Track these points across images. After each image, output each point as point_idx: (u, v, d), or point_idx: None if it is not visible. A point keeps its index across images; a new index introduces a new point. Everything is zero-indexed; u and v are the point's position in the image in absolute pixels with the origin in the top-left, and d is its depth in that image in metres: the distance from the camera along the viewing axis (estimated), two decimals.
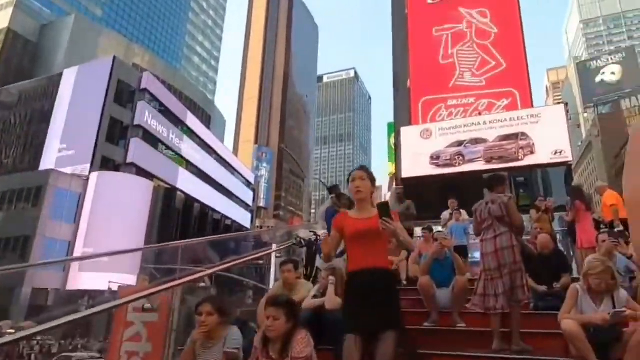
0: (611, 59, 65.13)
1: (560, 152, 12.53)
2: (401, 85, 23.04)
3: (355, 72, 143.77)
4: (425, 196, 12.60)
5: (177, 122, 32.92)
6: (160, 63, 50.40)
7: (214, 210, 34.07)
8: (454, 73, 17.52)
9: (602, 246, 4.03)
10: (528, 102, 16.63)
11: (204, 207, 32.51)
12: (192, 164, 33.22)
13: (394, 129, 23.74)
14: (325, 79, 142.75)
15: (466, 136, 13.70)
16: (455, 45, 17.70)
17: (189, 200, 30.47)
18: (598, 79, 63.49)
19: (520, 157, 12.92)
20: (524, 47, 17.36)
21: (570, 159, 12.66)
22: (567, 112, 13.36)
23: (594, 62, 67.56)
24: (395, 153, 15.17)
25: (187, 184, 31.08)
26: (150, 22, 61.35)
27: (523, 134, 13.11)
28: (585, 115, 63.09)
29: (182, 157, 32.13)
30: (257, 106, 75.66)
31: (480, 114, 15.80)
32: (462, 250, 6.43)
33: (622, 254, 3.77)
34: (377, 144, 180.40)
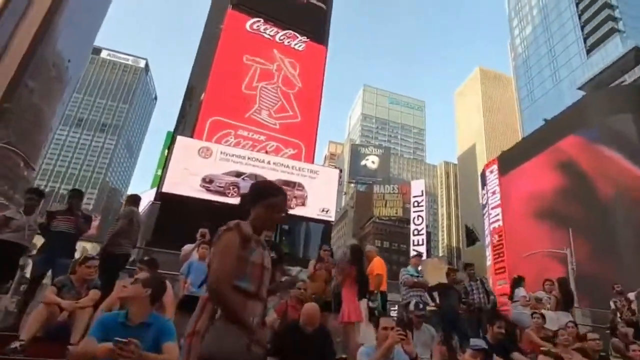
0: (374, 150, 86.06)
1: (327, 211, 14.46)
2: (195, 96, 22.38)
3: (147, 64, 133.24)
4: (185, 220, 11.64)
5: None
6: None
7: None
8: (252, 106, 18.40)
9: (382, 336, 3.29)
10: (310, 159, 19.05)
11: None
12: None
13: (172, 140, 22.40)
14: (104, 54, 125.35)
15: (247, 169, 14.00)
16: (261, 81, 18.81)
17: None
18: (363, 162, 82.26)
19: (292, 206, 14.07)
20: (319, 112, 20.27)
21: (332, 219, 14.77)
22: (340, 177, 15.81)
23: (363, 148, 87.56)
24: (165, 161, 13.88)
25: None
26: None
27: (300, 184, 14.51)
28: (352, 186, 79.45)
29: None
30: None
31: (267, 153, 16.78)
32: (196, 303, 5.05)
33: (405, 351, 3.22)
34: (149, 149, 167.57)
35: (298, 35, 19.87)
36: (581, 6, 57.27)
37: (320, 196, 14.69)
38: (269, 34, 19.32)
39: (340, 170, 17.11)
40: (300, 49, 19.85)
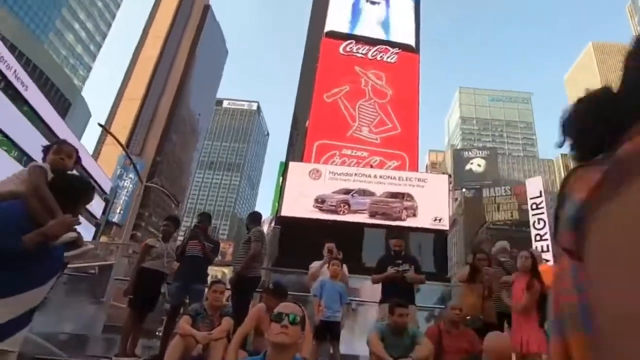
0: (479, 153, 79.32)
1: (440, 220, 13.17)
2: (300, 124, 23.13)
3: (258, 106, 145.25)
4: (302, 241, 11.65)
5: (17, 98, 26.72)
6: (15, 24, 42.03)
7: None
8: (353, 124, 18.16)
9: None
10: (414, 169, 17.95)
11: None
12: (24, 152, 26.83)
13: (285, 168, 23.46)
14: (225, 104, 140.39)
15: (355, 185, 13.58)
16: (358, 99, 18.55)
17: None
18: (467, 167, 76.21)
19: (403, 217, 13.17)
20: (418, 120, 19.14)
21: (447, 227, 13.36)
22: (450, 183, 14.40)
23: (466, 152, 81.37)
24: (281, 187, 14.37)
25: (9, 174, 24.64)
26: None
27: (409, 195, 13.53)
28: (458, 192, 74.22)
29: (10, 140, 25.73)
30: (138, 109, 68.66)
31: (372, 168, 16.23)
32: (332, 329, 4.24)
33: None
34: (267, 181, 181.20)
35: (390, 47, 19.30)
36: None
37: (431, 205, 13.49)
38: (361, 53, 19.13)
39: (450, 176, 15.65)
40: (392, 61, 19.19)
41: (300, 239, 11.30)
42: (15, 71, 26.41)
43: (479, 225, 63.78)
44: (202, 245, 4.94)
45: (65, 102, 40.90)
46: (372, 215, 13.20)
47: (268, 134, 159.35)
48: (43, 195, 1.93)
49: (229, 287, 4.92)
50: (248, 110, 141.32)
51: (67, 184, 2.11)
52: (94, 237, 37.81)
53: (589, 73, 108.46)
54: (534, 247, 37.35)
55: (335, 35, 19.64)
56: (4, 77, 25.60)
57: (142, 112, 69.13)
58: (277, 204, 19.54)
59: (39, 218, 1.82)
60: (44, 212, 1.85)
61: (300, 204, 12.69)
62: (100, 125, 21.40)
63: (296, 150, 22.42)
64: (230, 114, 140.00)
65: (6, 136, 25.50)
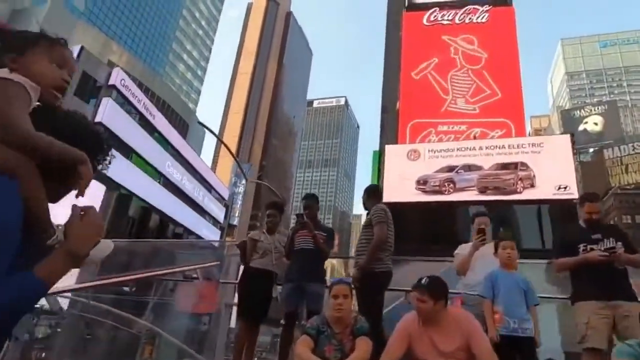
0: (594, 109, 67.09)
1: (565, 188, 10.89)
2: (390, 107, 21.88)
3: (346, 100, 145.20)
4: (407, 226, 10.67)
5: (148, 126, 30.60)
6: (139, 65, 48.26)
7: (176, 223, 31.31)
8: (446, 98, 16.41)
9: None
10: (522, 135, 15.49)
11: (165, 218, 29.88)
12: (159, 172, 30.81)
13: (379, 156, 22.53)
14: (315, 104, 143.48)
15: (458, 161, 12.01)
16: (449, 70, 16.67)
17: (149, 209, 28.20)
18: (581, 127, 64.95)
19: (518, 190, 11.22)
20: (520, 80, 16.51)
21: (575, 195, 10.96)
22: (573, 143, 11.86)
23: (578, 111, 69.51)
24: (378, 175, 13.51)
25: (149, 193, 28.60)
26: (137, 24, 59.85)
27: (523, 163, 11.49)
28: (576, 156, 63.99)
29: (150, 165, 29.80)
30: (242, 121, 74.09)
31: (475, 139, 14.36)
32: (524, 348, 2.66)
33: None
34: (362, 172, 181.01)
35: (478, 6, 16.84)
36: None
37: (552, 172, 11.22)
38: (447, 19, 17.07)
39: (572, 135, 12.82)
40: (483, 20, 16.73)
41: (406, 224, 10.33)
42: (144, 104, 30.21)
43: (604, 191, 53.93)
44: (312, 235, 3.73)
45: (184, 124, 45.59)
46: (482, 191, 11.51)
47: (358, 127, 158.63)
48: (59, 153, 0.89)
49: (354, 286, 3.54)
50: (337, 106, 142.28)
51: (82, 131, 1.01)
52: (220, 239, 41.97)
53: None
54: None
55: (416, 7, 17.90)
56: (138, 111, 29.41)
57: (245, 123, 74.38)
58: None
59: (39, 210, 0.87)
60: (43, 194, 0.88)
61: (402, 188, 11.65)
62: (200, 123, 23.08)
63: (389, 135, 21.26)
64: (321, 112, 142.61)
65: (142, 158, 29.35)
